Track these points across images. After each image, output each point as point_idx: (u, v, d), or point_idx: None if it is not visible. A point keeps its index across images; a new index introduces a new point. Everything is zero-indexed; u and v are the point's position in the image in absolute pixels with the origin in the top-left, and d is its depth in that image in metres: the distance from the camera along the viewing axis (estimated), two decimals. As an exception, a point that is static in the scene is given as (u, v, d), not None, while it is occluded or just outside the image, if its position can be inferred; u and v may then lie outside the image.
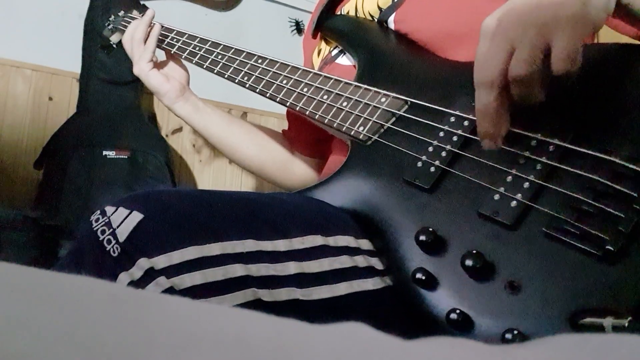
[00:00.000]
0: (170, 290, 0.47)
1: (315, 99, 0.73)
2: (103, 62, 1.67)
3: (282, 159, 1.01)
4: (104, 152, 1.59)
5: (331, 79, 0.73)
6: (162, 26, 0.98)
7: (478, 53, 0.51)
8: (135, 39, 0.95)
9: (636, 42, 0.63)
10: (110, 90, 1.68)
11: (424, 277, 0.51)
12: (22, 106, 1.68)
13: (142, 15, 0.99)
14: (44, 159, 1.59)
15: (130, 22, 1.03)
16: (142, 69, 0.94)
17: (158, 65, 0.96)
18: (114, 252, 0.49)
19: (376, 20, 0.83)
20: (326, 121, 0.70)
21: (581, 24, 0.46)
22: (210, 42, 0.92)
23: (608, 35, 0.65)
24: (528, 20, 0.48)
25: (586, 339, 0.23)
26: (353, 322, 0.21)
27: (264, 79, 0.81)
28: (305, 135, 0.99)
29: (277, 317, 0.20)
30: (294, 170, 1.01)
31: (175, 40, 0.97)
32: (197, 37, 0.95)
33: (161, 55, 1.00)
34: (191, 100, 0.96)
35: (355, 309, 0.55)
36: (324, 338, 0.19)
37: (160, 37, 0.97)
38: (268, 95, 0.79)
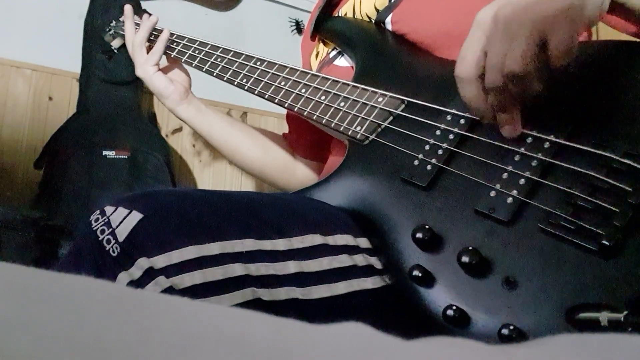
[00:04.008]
0: (169, 290, 0.47)
1: (313, 99, 0.73)
2: (103, 62, 1.66)
3: (284, 162, 1.00)
4: (104, 152, 1.59)
5: (329, 79, 0.73)
6: (170, 32, 0.98)
7: (468, 42, 0.50)
8: (136, 42, 0.95)
9: (634, 39, 0.63)
10: (110, 90, 1.68)
11: (420, 274, 0.51)
12: (22, 106, 1.68)
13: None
14: (44, 159, 1.59)
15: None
16: (146, 71, 0.94)
17: (161, 69, 0.96)
18: (113, 251, 0.49)
19: (373, 21, 0.83)
20: (324, 121, 0.71)
21: (577, 18, 0.46)
22: (209, 45, 0.92)
23: (608, 35, 0.65)
24: (524, 16, 0.47)
25: (586, 339, 0.22)
26: (353, 322, 0.21)
27: (262, 80, 0.81)
28: (305, 137, 0.99)
29: (276, 317, 0.20)
30: (296, 172, 1.01)
31: (175, 44, 0.98)
32: (197, 40, 0.95)
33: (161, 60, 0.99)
34: (194, 103, 0.96)
35: (354, 308, 0.55)
36: (324, 338, 0.19)
37: None
38: (267, 96, 0.80)
